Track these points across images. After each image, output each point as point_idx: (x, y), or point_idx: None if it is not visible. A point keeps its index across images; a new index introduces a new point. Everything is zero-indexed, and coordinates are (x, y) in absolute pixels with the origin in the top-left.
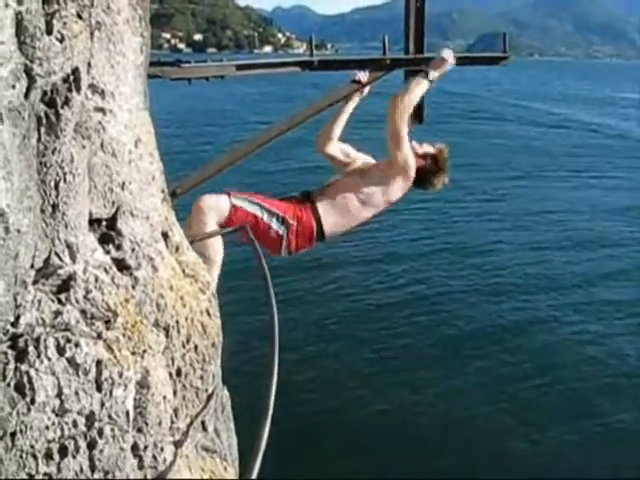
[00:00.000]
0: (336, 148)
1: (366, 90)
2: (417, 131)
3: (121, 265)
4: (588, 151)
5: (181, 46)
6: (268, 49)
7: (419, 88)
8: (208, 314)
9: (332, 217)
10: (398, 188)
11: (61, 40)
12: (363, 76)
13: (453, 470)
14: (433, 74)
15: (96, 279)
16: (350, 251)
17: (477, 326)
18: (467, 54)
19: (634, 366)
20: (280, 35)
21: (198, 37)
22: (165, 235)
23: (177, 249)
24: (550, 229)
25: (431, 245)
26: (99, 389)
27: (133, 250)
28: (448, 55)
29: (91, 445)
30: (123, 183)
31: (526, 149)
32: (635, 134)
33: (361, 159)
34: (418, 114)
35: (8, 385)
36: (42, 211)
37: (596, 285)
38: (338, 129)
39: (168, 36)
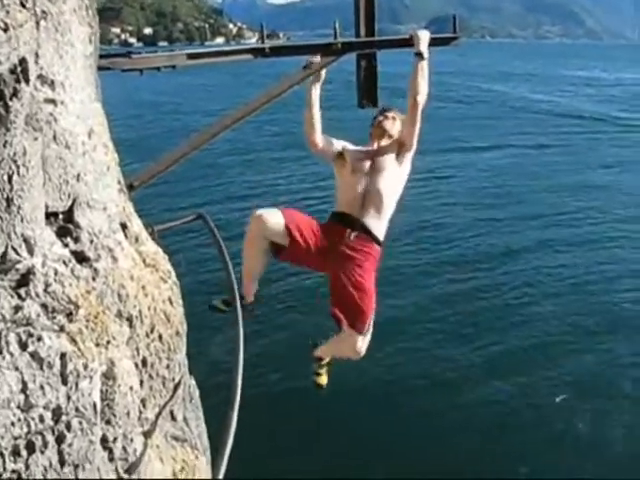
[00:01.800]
0: (325, 141)
1: (322, 74)
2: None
3: (80, 257)
4: (533, 128)
5: (132, 40)
6: (220, 40)
7: (427, 71)
8: (171, 303)
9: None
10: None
11: (5, 30)
12: (315, 58)
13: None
14: (425, 50)
15: (55, 272)
16: None
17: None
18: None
19: None
20: (231, 26)
21: (148, 31)
22: (124, 226)
23: (136, 240)
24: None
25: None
26: (64, 382)
27: (92, 242)
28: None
29: (59, 439)
30: (78, 175)
31: (471, 126)
32: (580, 110)
33: (348, 145)
34: (372, 97)
35: None
36: None
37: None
38: (318, 121)
39: (118, 31)
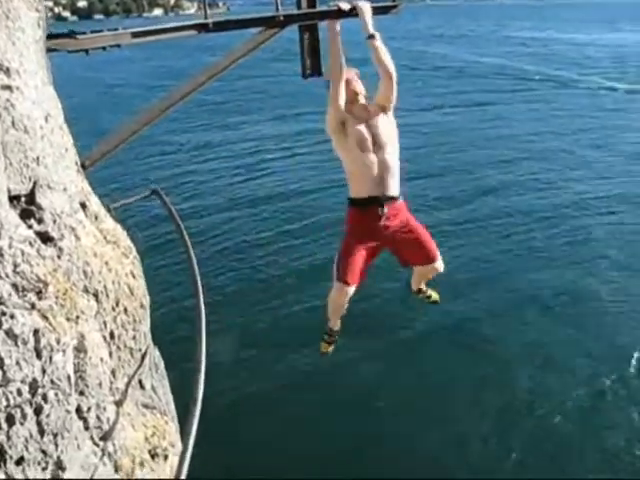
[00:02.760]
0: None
1: (337, 27)
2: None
3: (45, 237)
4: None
5: (65, 14)
6: (158, 12)
7: (384, 46)
8: (133, 276)
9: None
10: None
11: None
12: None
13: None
14: (373, 30)
15: (22, 253)
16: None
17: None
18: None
19: None
20: None
21: (83, 4)
22: (83, 205)
23: (96, 218)
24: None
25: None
26: (39, 357)
27: (55, 222)
28: (363, 4)
29: (37, 411)
30: (38, 158)
31: (409, 90)
32: (516, 68)
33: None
34: (316, 67)
35: None
36: None
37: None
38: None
39: (51, 4)
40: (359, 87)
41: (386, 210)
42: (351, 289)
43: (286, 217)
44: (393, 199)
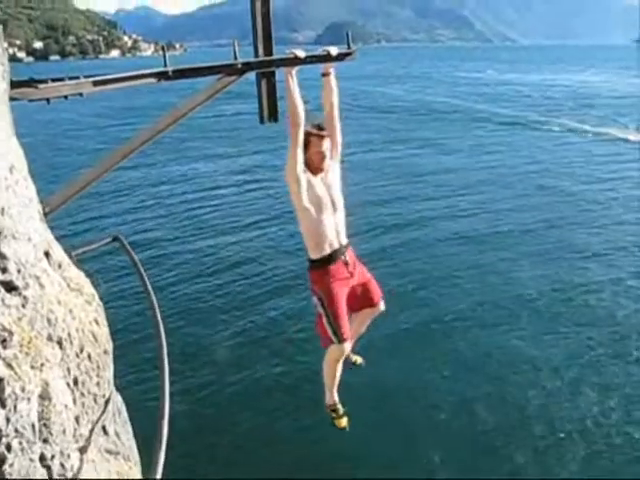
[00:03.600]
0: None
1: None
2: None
3: (9, 287)
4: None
5: (21, 55)
6: (115, 53)
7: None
8: (97, 323)
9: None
10: None
11: None
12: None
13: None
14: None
15: None
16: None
17: None
18: (313, 53)
19: None
20: (126, 38)
21: (39, 45)
22: (47, 254)
23: (59, 266)
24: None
25: None
26: (3, 405)
27: (19, 271)
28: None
29: (1, 460)
30: (3, 209)
31: (362, 128)
32: (464, 107)
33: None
34: (273, 112)
35: None
36: None
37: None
38: (299, 103)
39: (5, 45)
40: (327, 160)
41: (348, 257)
42: (349, 347)
43: (249, 257)
44: (347, 246)
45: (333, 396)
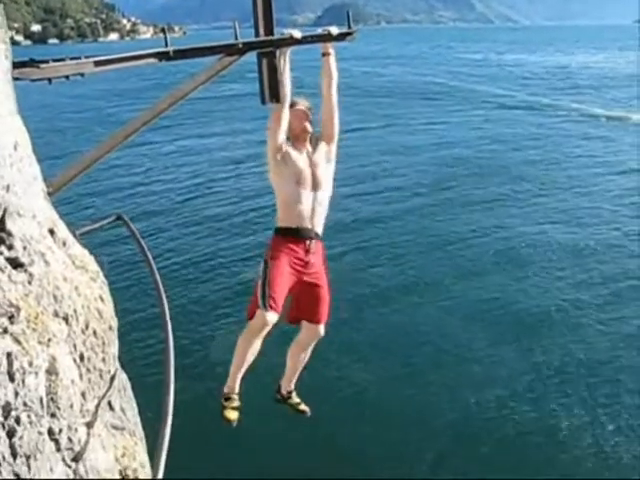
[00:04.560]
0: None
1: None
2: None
3: (15, 263)
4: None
5: (18, 38)
6: (114, 36)
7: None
8: (102, 300)
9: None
10: None
11: None
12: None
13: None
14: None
15: None
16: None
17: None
18: (313, 33)
19: None
20: (125, 21)
21: (36, 28)
22: (51, 231)
23: (64, 243)
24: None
25: None
26: (12, 379)
27: (25, 248)
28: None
29: (10, 433)
30: (8, 186)
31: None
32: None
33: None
34: (274, 92)
35: None
36: None
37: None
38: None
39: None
40: (309, 126)
41: (313, 244)
42: (274, 319)
43: (252, 233)
44: (318, 237)
45: (235, 382)
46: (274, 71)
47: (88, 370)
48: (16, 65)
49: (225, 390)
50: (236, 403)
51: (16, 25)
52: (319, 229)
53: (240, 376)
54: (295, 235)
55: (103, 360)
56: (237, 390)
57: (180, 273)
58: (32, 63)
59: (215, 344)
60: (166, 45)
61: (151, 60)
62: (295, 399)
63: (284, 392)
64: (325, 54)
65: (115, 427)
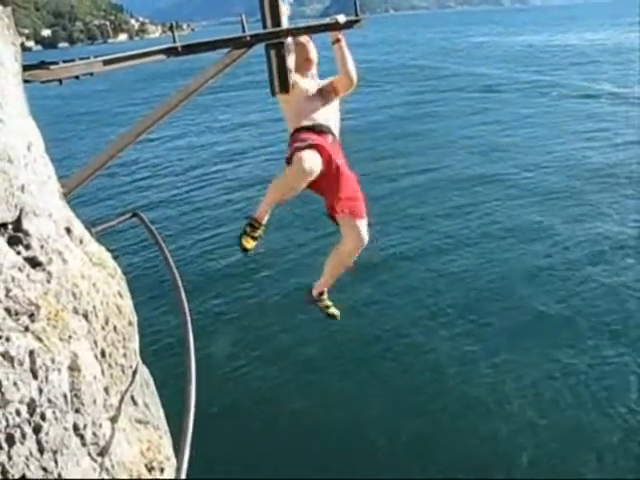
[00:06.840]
0: None
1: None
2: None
3: (34, 262)
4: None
5: (29, 44)
6: (123, 37)
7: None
8: (120, 296)
9: None
10: None
11: None
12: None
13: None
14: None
15: (13, 278)
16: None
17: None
18: (320, 22)
19: None
20: (133, 21)
21: (47, 33)
22: (68, 230)
23: (81, 241)
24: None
25: None
26: (35, 377)
27: (42, 247)
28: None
29: (36, 430)
30: (23, 186)
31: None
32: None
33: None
34: (284, 83)
35: None
36: None
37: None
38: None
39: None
40: (313, 54)
41: (332, 139)
42: (318, 163)
43: (271, 227)
44: (336, 139)
45: (266, 212)
46: (283, 63)
47: (110, 366)
48: (26, 67)
49: (255, 215)
50: (258, 233)
51: (27, 31)
52: (336, 132)
53: (270, 207)
54: (314, 129)
55: (124, 355)
56: (265, 221)
57: (198, 267)
58: (41, 65)
59: (235, 337)
60: (174, 41)
61: (160, 57)
62: (326, 301)
63: (315, 293)
64: (335, 41)
65: (139, 421)
